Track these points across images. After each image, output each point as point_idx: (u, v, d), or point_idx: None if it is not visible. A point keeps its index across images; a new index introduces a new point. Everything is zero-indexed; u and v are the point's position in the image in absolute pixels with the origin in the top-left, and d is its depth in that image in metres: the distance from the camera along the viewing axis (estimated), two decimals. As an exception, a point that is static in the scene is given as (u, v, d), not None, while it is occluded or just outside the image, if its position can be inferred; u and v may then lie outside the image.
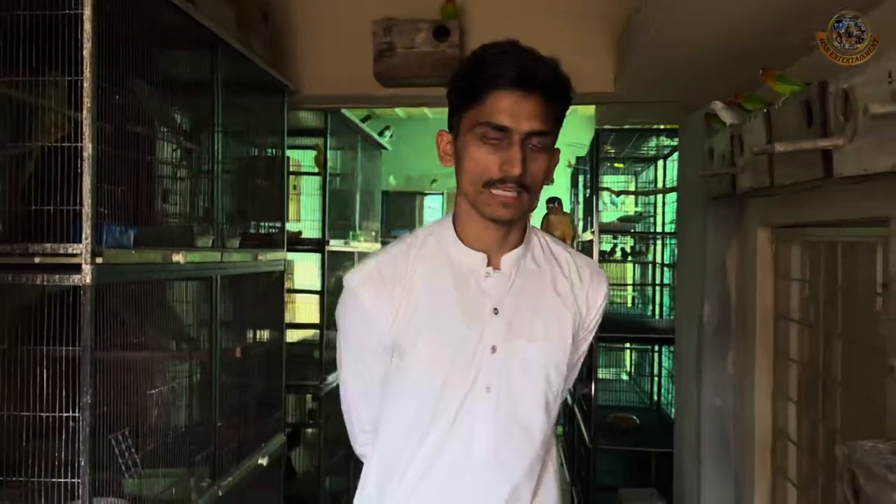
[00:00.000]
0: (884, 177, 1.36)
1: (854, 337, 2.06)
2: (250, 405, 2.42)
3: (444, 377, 1.22)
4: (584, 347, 1.38)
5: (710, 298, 2.82)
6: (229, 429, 2.23)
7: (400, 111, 6.17)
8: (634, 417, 4.26)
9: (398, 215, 6.29)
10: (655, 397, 4.73)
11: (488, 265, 1.24)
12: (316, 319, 3.60)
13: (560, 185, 5.97)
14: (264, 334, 2.63)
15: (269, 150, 2.71)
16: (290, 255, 3.78)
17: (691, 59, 2.26)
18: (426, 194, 6.45)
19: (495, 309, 1.23)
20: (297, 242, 3.42)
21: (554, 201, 3.77)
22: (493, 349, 1.22)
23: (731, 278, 2.73)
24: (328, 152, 3.45)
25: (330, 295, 3.78)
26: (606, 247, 4.67)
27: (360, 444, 1.38)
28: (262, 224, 2.67)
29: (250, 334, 2.57)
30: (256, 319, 2.60)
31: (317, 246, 3.41)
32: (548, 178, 1.22)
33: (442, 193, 6.26)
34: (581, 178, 5.04)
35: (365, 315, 1.23)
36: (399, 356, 1.24)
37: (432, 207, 6.48)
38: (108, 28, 1.50)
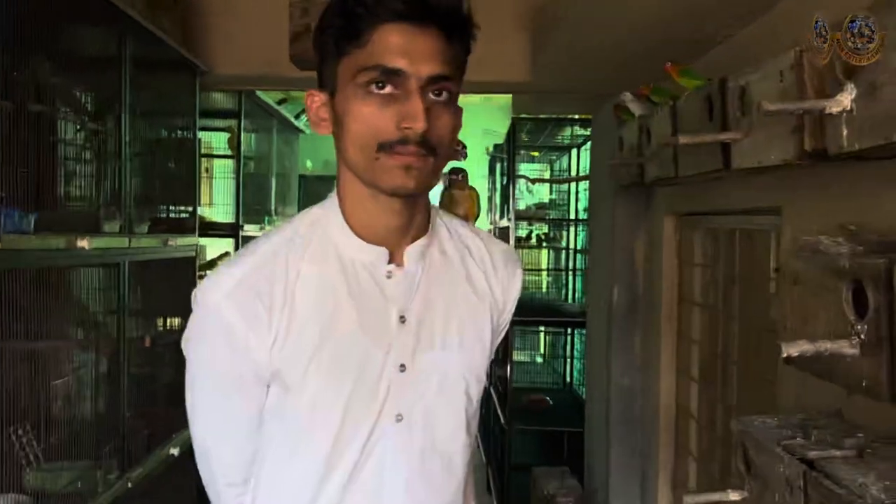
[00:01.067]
0: (776, 169, 1.45)
1: (749, 319, 2.19)
2: (161, 395, 2.36)
3: (344, 409, 0.96)
4: (498, 341, 1.16)
5: (619, 283, 2.93)
6: (139, 419, 2.17)
7: (317, 93, 6.08)
8: (548, 398, 4.39)
9: (316, 200, 6.14)
10: (568, 379, 4.88)
11: (390, 262, 0.99)
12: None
13: (476, 174, 6.03)
14: (176, 322, 2.57)
15: (180, 132, 2.63)
16: (203, 241, 3.68)
17: (605, 50, 2.33)
18: (344, 179, 6.38)
19: (402, 317, 0.98)
20: (209, 227, 3.34)
21: (458, 173, 3.36)
22: (402, 367, 0.98)
23: (639, 264, 2.84)
24: (242, 135, 3.36)
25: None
26: (522, 233, 4.77)
27: (226, 497, 1.04)
28: (173, 208, 2.59)
29: (161, 322, 2.50)
30: (168, 306, 2.53)
31: (230, 231, 3.34)
32: (453, 143, 0.97)
33: (360, 178, 6.20)
34: (498, 166, 5.11)
35: (233, 341, 0.94)
36: (282, 388, 0.97)
37: (350, 192, 6.42)
38: (6, 1, 1.42)
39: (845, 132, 1.09)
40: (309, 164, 6.09)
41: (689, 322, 2.58)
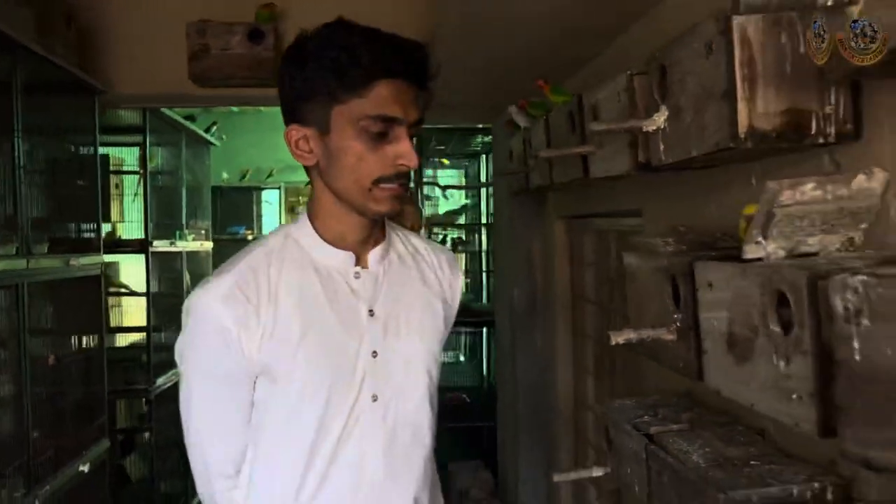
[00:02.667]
0: (634, 176, 1.62)
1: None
2: (68, 413, 2.38)
3: (327, 393, 1.11)
4: (448, 331, 1.32)
5: (519, 283, 3.09)
6: (46, 438, 2.19)
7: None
8: (465, 395, 4.53)
9: (234, 212, 6.18)
10: (486, 376, 5.04)
11: (356, 264, 1.16)
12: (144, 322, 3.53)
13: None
14: (83, 340, 2.58)
15: (81, 150, 2.65)
16: (114, 258, 3.68)
17: (492, 67, 2.48)
18: (263, 188, 6.38)
19: (370, 311, 1.15)
20: (117, 245, 3.34)
21: (409, 190, 3.75)
22: (374, 354, 1.14)
23: (536, 265, 3.01)
24: (149, 150, 3.38)
25: (160, 297, 3.71)
26: (437, 238, 4.90)
27: (220, 491, 1.17)
28: (78, 227, 2.61)
29: (67, 341, 2.52)
30: (74, 325, 2.54)
31: (140, 247, 3.34)
32: None
33: (279, 187, 6.22)
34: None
35: (226, 339, 1.08)
36: (269, 380, 1.12)
37: (269, 202, 6.43)
38: None
39: (662, 147, 1.25)
40: (225, 175, 6.08)
41: (583, 319, 2.75)
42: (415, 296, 1.22)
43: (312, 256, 1.14)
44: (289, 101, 1.11)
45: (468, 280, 5.69)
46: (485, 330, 4.87)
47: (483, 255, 5.04)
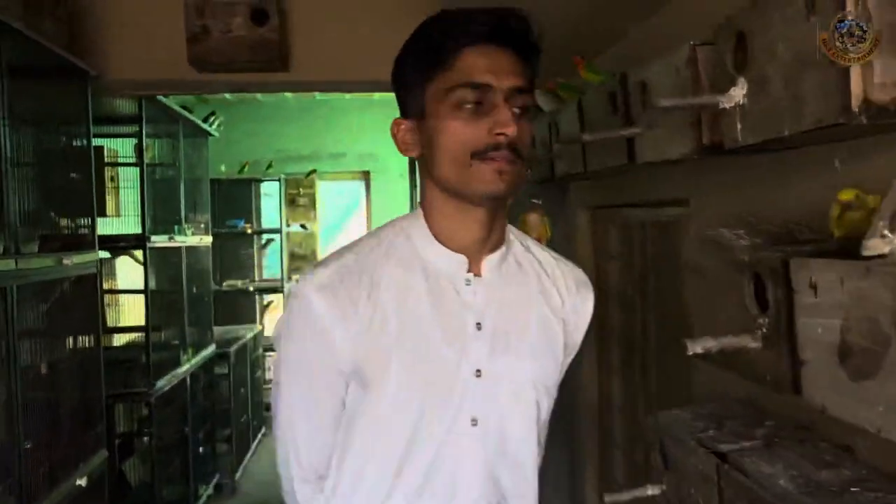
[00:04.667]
0: (682, 162, 1.46)
1: (665, 310, 2.21)
2: (64, 422, 2.22)
3: (420, 410, 1.00)
4: (569, 361, 1.18)
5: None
6: (39, 451, 2.03)
7: (228, 94, 5.89)
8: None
9: (233, 204, 6.00)
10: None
11: (469, 270, 1.04)
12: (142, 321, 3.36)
13: (395, 172, 5.96)
14: (78, 343, 2.42)
15: (73, 141, 2.48)
16: (110, 255, 3.51)
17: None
18: (262, 181, 6.20)
19: (478, 324, 1.03)
20: (113, 240, 3.17)
21: (538, 198, 3.58)
22: (478, 373, 1.01)
23: (557, 258, 2.85)
24: (145, 141, 3.21)
25: (159, 295, 3.55)
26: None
27: (302, 495, 1.09)
28: (71, 222, 2.44)
29: (61, 344, 2.36)
30: (68, 327, 2.38)
31: (137, 243, 3.18)
32: (531, 150, 1.08)
33: (279, 179, 6.04)
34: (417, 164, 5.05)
35: (319, 330, 1.01)
36: (361, 385, 1.02)
37: (269, 195, 6.26)
38: None
39: (739, 126, 1.09)
40: (223, 167, 5.90)
41: (607, 314, 2.60)
42: (531, 312, 1.08)
43: (422, 255, 1.04)
44: (397, 98, 1.07)
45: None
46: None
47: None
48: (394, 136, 1.06)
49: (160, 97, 3.17)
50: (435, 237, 1.04)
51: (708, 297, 1.22)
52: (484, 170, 0.97)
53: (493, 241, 1.06)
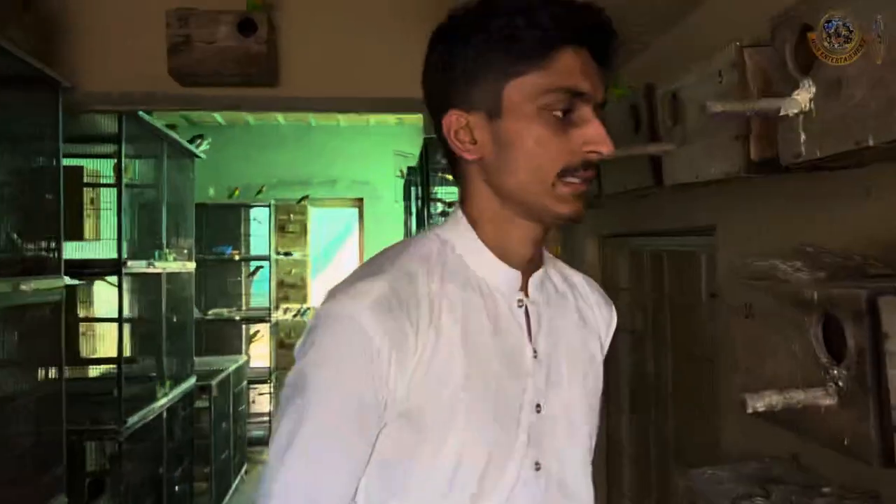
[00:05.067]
0: (709, 183, 1.28)
1: (682, 347, 2.03)
2: (16, 464, 2.00)
3: (487, 459, 0.84)
4: None
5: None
6: (-13, 498, 1.81)
7: (219, 116, 5.74)
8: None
9: (221, 230, 5.81)
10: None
11: (520, 290, 0.91)
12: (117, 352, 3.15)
13: (389, 199, 5.81)
14: (38, 376, 2.21)
15: (43, 158, 2.30)
16: (81, 280, 3.30)
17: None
18: (252, 206, 6.03)
19: (535, 351, 0.90)
20: (88, 265, 2.97)
21: None
22: (538, 408, 0.88)
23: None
24: (124, 161, 3.03)
25: (132, 323, 3.34)
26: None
27: None
28: (35, 246, 2.24)
29: (19, 377, 2.14)
30: (27, 359, 2.17)
31: (112, 268, 2.97)
32: None
33: (269, 205, 5.87)
34: (413, 190, 4.90)
35: (370, 358, 0.80)
36: (413, 430, 0.83)
37: (259, 221, 6.07)
38: None
39: (803, 138, 0.92)
40: (212, 191, 5.73)
41: (615, 348, 2.41)
42: (575, 336, 0.97)
43: (475, 270, 0.89)
44: (445, 85, 0.89)
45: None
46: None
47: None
48: (446, 131, 0.87)
49: (143, 115, 2.99)
50: (487, 248, 0.90)
51: (758, 340, 1.03)
52: (566, 192, 0.85)
53: (537, 258, 0.93)
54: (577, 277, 1.03)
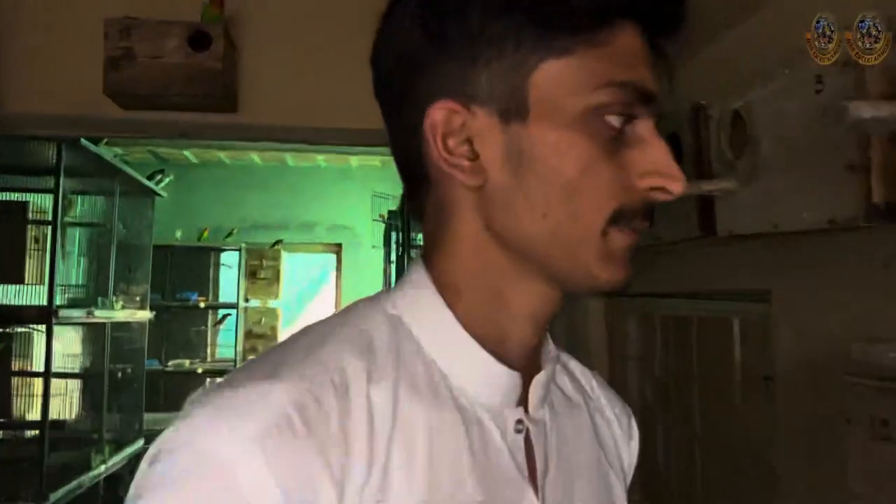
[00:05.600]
0: (770, 236, 0.95)
1: (712, 434, 1.67)
2: None
3: None
4: None
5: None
6: None
7: (190, 154, 5.40)
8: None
9: (187, 275, 5.43)
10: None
11: (518, 402, 0.58)
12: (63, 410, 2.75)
13: (367, 244, 5.47)
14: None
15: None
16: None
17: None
18: (222, 250, 5.66)
19: (540, 494, 0.58)
20: (14, 313, 2.59)
21: None
22: None
23: (560, 356, 2.30)
24: (62, 195, 2.67)
25: (59, 378, 2.93)
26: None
27: None
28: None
29: None
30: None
31: (42, 317, 2.58)
32: None
33: (239, 249, 5.50)
34: (393, 235, 4.57)
35: None
36: None
37: (228, 265, 5.69)
38: None
39: None
40: (179, 233, 5.36)
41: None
42: (591, 468, 0.64)
43: (447, 373, 0.56)
44: (428, 57, 0.55)
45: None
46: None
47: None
48: (430, 132, 0.54)
49: (88, 144, 2.64)
50: (475, 339, 0.56)
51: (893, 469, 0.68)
52: (620, 246, 0.54)
53: (540, 349, 0.60)
54: (587, 375, 0.71)
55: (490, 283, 0.56)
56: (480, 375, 0.55)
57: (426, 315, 0.56)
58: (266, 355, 0.54)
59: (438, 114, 0.53)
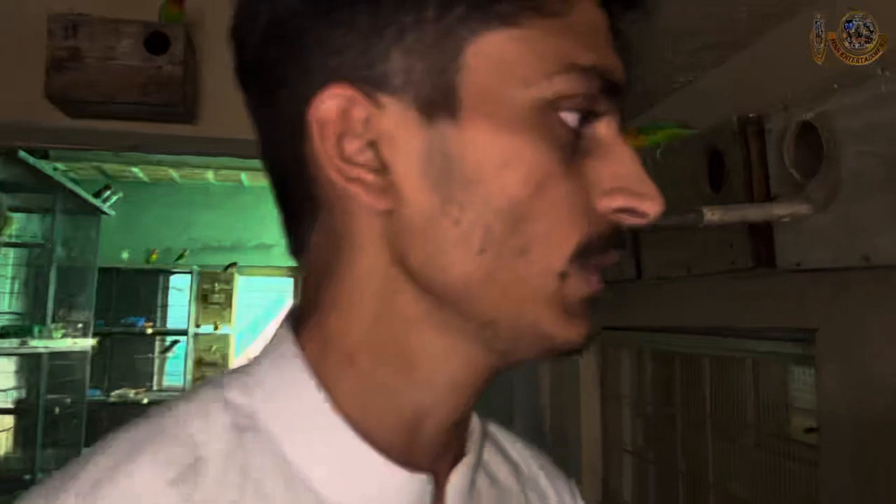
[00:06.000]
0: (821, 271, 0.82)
1: (723, 485, 1.52)
2: None
3: None
4: None
5: (521, 420, 2.21)
6: None
7: (139, 171, 5.12)
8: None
9: (134, 299, 5.12)
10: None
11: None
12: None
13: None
14: None
15: None
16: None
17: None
18: (172, 272, 5.37)
19: None
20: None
21: None
22: None
23: (544, 397, 2.14)
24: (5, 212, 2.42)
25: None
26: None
27: None
28: None
29: None
30: None
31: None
32: None
33: (191, 272, 5.23)
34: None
35: None
36: None
37: (179, 289, 5.40)
38: None
39: None
40: (125, 254, 5.06)
41: (618, 479, 1.89)
42: None
43: (319, 487, 0.39)
44: (309, 30, 0.39)
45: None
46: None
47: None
48: (318, 130, 0.39)
49: (25, 156, 2.40)
50: (357, 433, 0.40)
51: None
52: (581, 290, 0.40)
53: (461, 428, 0.46)
54: (518, 448, 0.55)
55: (395, 340, 0.41)
56: (374, 488, 0.40)
57: (291, 405, 0.40)
58: (57, 474, 0.38)
59: (329, 104, 0.38)
